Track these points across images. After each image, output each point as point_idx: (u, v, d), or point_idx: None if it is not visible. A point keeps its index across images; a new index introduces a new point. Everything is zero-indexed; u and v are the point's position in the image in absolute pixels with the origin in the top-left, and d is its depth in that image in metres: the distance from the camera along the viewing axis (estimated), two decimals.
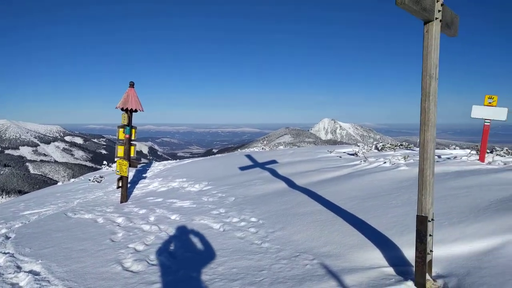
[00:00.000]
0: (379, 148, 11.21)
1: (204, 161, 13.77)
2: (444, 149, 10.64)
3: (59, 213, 7.00)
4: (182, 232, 5.20)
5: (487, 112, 7.16)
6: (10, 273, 4.10)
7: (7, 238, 5.58)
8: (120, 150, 7.98)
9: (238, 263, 3.97)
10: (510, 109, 7.02)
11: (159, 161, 16.01)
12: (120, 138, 7.94)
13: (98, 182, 11.40)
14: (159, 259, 4.28)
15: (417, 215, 3.08)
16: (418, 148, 3.52)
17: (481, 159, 7.21)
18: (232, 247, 4.46)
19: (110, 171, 13.94)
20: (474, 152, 8.14)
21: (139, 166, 13.38)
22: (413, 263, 3.22)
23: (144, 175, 11.43)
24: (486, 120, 7.19)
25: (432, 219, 3.10)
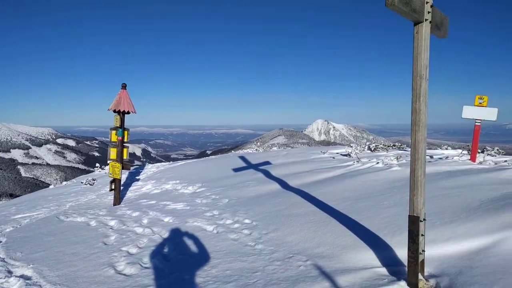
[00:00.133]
0: (372, 149, 11.27)
1: (197, 163, 13.74)
2: (436, 149, 10.73)
3: (51, 216, 6.93)
4: (176, 235, 5.18)
5: (477, 112, 7.23)
6: (1, 278, 4.05)
7: None
8: (112, 152, 7.93)
9: (232, 265, 3.97)
10: (500, 109, 7.11)
11: (153, 163, 15.94)
12: (112, 140, 7.90)
13: (90, 184, 11.32)
14: (152, 262, 4.26)
15: (409, 215, 3.10)
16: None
17: (472, 159, 7.29)
18: (226, 249, 4.45)
19: (103, 174, 13.85)
20: (465, 152, 8.22)
21: (132, 168, 13.30)
22: (405, 263, 3.24)
23: (137, 177, 11.37)
24: (476, 120, 7.27)
25: (424, 219, 3.12)
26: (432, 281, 3.12)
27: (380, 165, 7.83)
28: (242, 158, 11.89)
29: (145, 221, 6.03)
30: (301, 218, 5.12)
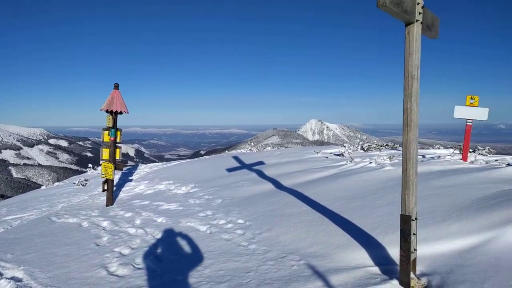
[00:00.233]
0: (365, 149, 11.33)
1: (191, 163, 13.70)
2: (429, 148, 10.83)
3: (42, 217, 6.87)
4: (169, 235, 5.16)
5: (469, 112, 7.30)
6: None
7: None
8: (105, 153, 7.88)
9: (225, 265, 3.96)
10: (491, 109, 7.18)
11: (146, 164, 15.86)
12: (105, 140, 7.85)
13: (83, 185, 11.24)
14: (145, 263, 4.23)
15: (401, 215, 3.12)
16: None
17: (464, 158, 7.35)
18: (219, 249, 4.44)
19: (96, 174, 13.76)
20: (457, 151, 8.30)
21: (125, 168, 13.23)
22: (398, 262, 3.25)
23: (130, 177, 11.31)
24: (468, 120, 7.34)
25: (416, 218, 3.15)
26: (424, 280, 3.14)
27: (373, 164, 7.87)
28: (236, 158, 11.88)
29: (138, 221, 6.00)
30: (294, 217, 5.13)
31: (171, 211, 6.47)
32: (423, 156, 8.55)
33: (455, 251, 3.40)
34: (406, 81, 2.90)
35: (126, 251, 4.67)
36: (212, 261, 4.10)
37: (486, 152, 8.51)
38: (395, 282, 3.15)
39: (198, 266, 3.99)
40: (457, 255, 3.32)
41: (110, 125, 7.73)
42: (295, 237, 4.54)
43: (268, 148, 20.49)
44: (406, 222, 3.07)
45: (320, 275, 3.46)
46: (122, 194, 8.81)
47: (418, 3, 2.81)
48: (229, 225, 5.35)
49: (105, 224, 6.01)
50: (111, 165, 7.75)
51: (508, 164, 6.47)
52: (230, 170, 9.88)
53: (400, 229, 3.12)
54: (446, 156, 8.12)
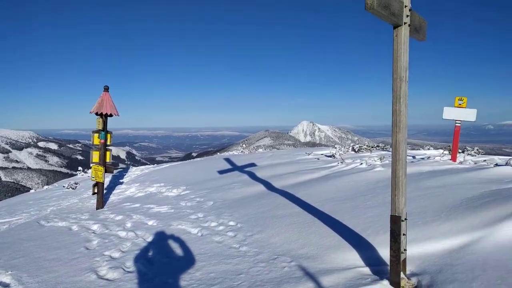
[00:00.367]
0: (356, 150, 11.40)
1: (182, 165, 13.65)
2: (419, 149, 10.94)
3: (31, 221, 6.77)
4: (160, 238, 5.13)
5: (457, 113, 7.40)
6: None
7: None
8: (95, 156, 7.81)
9: (216, 267, 3.95)
10: (479, 110, 7.28)
11: (137, 166, 15.76)
12: (95, 143, 7.78)
13: (73, 188, 11.11)
14: (135, 266, 4.20)
15: (391, 215, 3.14)
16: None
17: (453, 159, 7.44)
18: (210, 252, 4.43)
19: (86, 177, 13.62)
20: (446, 152, 8.39)
21: (115, 171, 13.12)
22: (388, 262, 3.28)
23: (121, 180, 11.22)
24: (457, 121, 7.43)
25: (406, 219, 3.17)
26: (413, 280, 3.16)
27: (363, 165, 7.92)
28: (227, 160, 11.87)
29: (128, 224, 5.95)
30: (286, 219, 5.14)
31: (162, 214, 6.43)
32: (413, 157, 8.63)
33: (445, 251, 3.44)
34: (394, 83, 2.93)
35: (116, 254, 4.63)
36: (204, 263, 4.09)
37: (475, 152, 8.62)
38: (385, 283, 3.17)
39: (189, 269, 3.97)
40: (446, 255, 3.35)
41: (100, 128, 7.67)
42: (286, 238, 4.54)
43: (260, 150, 20.51)
44: (396, 223, 3.10)
45: (311, 276, 3.47)
46: (113, 197, 8.74)
47: (406, 6, 2.84)
48: (221, 227, 5.33)
49: (95, 227, 5.95)
50: (101, 168, 7.69)
51: (496, 164, 6.57)
52: (221, 172, 9.86)
53: (390, 230, 3.14)
54: (436, 156, 8.21)
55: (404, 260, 3.20)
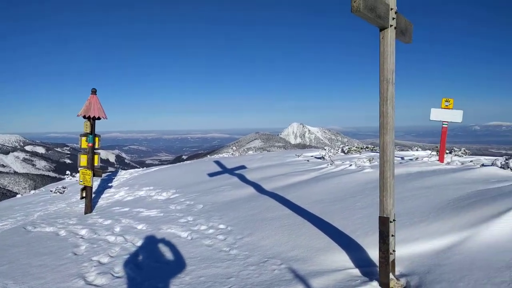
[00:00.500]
0: (345, 151, 11.47)
1: (171, 168, 13.56)
2: (408, 150, 11.05)
3: (17, 227, 6.65)
4: (149, 242, 5.08)
5: (444, 114, 7.49)
6: None
7: None
8: (83, 159, 7.71)
9: (206, 271, 3.93)
10: (466, 111, 7.39)
11: (127, 169, 15.61)
12: (82, 147, 7.69)
13: (60, 193, 10.95)
14: (124, 271, 4.15)
15: (379, 216, 3.16)
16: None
17: (441, 159, 7.53)
18: (200, 255, 4.40)
19: (74, 181, 13.43)
20: (434, 153, 8.50)
21: (104, 175, 12.98)
22: (377, 263, 3.30)
23: (109, 184, 11.09)
24: (444, 122, 7.52)
25: (394, 220, 3.20)
26: (402, 280, 3.19)
27: (353, 167, 7.97)
28: (218, 162, 11.83)
29: (117, 229, 5.88)
30: (276, 221, 5.14)
31: (151, 218, 6.37)
32: (402, 158, 8.71)
33: (433, 251, 3.47)
34: (381, 85, 2.95)
35: (105, 259, 4.57)
36: (193, 267, 4.06)
37: (462, 153, 8.75)
38: (375, 284, 3.19)
39: (179, 273, 3.94)
40: (434, 255, 3.39)
41: (88, 131, 7.58)
42: (276, 241, 4.54)
43: (250, 152, 20.51)
44: (384, 224, 3.12)
45: (301, 278, 3.47)
46: (101, 201, 8.63)
47: (392, 9, 2.87)
48: (210, 231, 5.31)
49: (83, 232, 5.87)
50: (89, 172, 7.59)
51: (483, 165, 6.67)
52: (211, 175, 9.82)
53: (379, 231, 3.16)
54: (424, 157, 8.31)
55: (393, 261, 3.22)
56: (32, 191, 13.56)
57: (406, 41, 3.28)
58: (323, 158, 10.22)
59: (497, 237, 3.35)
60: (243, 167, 10.38)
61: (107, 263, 4.45)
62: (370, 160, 8.38)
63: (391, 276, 3.15)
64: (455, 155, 8.58)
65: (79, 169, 7.84)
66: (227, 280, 3.64)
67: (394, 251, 3.21)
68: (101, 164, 8.03)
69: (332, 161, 9.19)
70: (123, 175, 13.20)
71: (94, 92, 7.65)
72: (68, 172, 15.25)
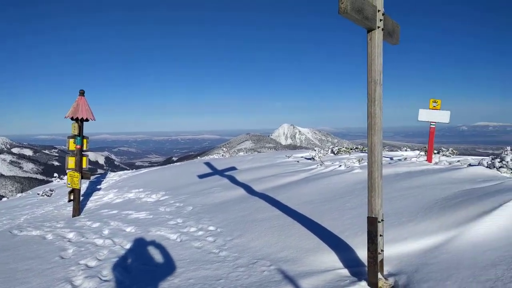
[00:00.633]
0: (335, 152, 11.52)
1: (161, 170, 13.47)
2: (397, 151, 11.15)
3: (3, 231, 6.53)
4: (138, 245, 5.03)
5: (432, 115, 7.58)
6: None
7: None
8: (71, 162, 7.62)
9: (195, 273, 3.90)
10: (453, 112, 7.48)
11: (116, 171, 15.46)
12: (70, 149, 7.59)
13: (48, 196, 10.80)
14: (112, 275, 4.10)
15: (367, 217, 3.18)
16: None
17: (429, 159, 7.61)
18: (189, 258, 4.37)
19: (62, 184, 13.25)
20: (422, 153, 8.59)
21: (93, 177, 12.83)
22: (366, 263, 3.31)
23: (98, 186, 10.97)
24: (431, 123, 7.61)
25: (382, 220, 3.22)
26: (391, 280, 3.21)
27: (342, 168, 8.01)
28: (208, 164, 11.79)
29: (105, 232, 5.81)
30: (266, 222, 5.14)
31: (140, 220, 6.32)
32: (391, 158, 8.79)
33: (420, 251, 3.50)
34: (369, 86, 2.97)
35: (92, 263, 4.51)
36: (183, 269, 4.03)
37: (450, 153, 8.86)
38: (363, 284, 3.20)
39: (168, 276, 3.90)
40: (422, 255, 3.42)
41: (76, 133, 7.49)
42: (266, 242, 4.54)
43: (241, 153, 20.48)
44: (372, 224, 3.13)
45: (290, 279, 3.47)
46: (90, 204, 8.53)
47: (379, 11, 2.89)
48: (200, 233, 5.28)
49: (70, 235, 5.79)
50: (77, 174, 7.50)
51: (470, 165, 6.76)
52: (201, 176, 9.78)
53: (367, 231, 3.18)
54: (412, 158, 8.39)
55: (382, 260, 3.24)
56: (19, 194, 13.34)
57: (393, 43, 3.30)
58: (313, 159, 10.26)
59: (483, 236, 3.39)
60: (233, 168, 10.36)
61: (94, 266, 4.40)
62: (359, 161, 8.43)
63: (379, 275, 3.16)
64: (443, 155, 8.69)
65: (67, 171, 7.74)
66: (217, 282, 3.62)
67: (382, 250, 3.23)
68: (90, 166, 7.95)
69: (322, 162, 9.22)
70: (112, 177, 13.07)
71: (82, 93, 7.56)
72: (56, 174, 15.05)
